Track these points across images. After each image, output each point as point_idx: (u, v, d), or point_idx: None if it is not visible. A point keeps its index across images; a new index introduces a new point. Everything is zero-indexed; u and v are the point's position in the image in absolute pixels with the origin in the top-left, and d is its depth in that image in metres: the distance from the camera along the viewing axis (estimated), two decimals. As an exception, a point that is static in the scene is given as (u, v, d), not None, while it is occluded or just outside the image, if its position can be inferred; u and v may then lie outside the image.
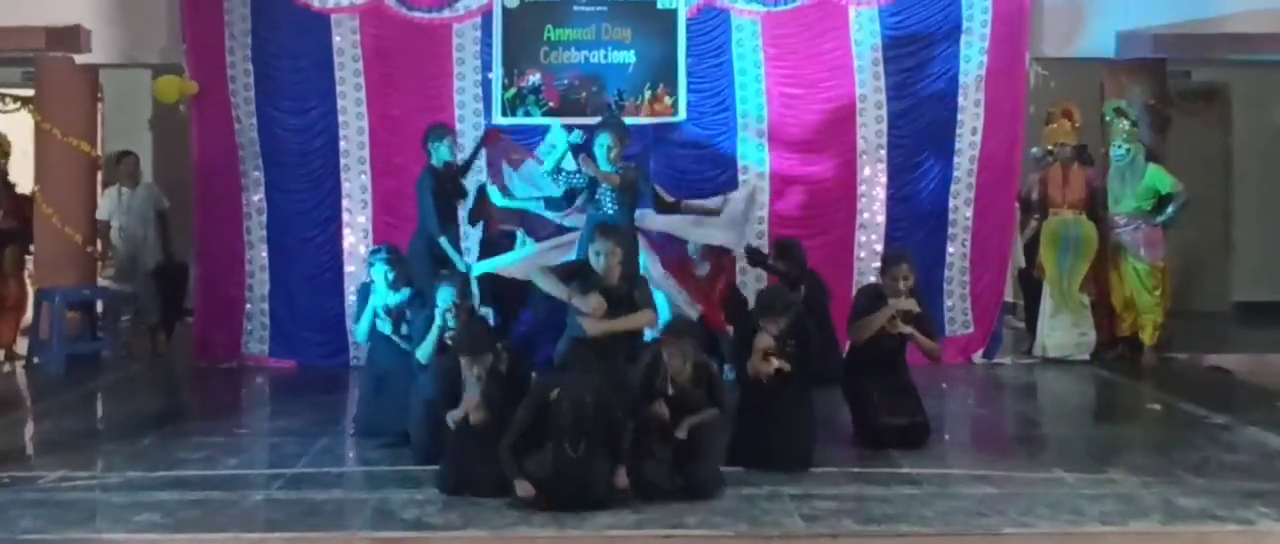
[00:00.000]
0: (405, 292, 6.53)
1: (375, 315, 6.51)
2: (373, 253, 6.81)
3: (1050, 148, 9.52)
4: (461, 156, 8.15)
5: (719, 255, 8.02)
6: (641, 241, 7.58)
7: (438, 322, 5.95)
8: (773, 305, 5.88)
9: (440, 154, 7.85)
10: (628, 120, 8.25)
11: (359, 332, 6.71)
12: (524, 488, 5.01)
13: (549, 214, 7.91)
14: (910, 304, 6.20)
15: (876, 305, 6.25)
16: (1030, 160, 9.47)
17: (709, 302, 7.78)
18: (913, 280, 6.26)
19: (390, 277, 6.51)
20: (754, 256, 8.12)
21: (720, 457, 5.50)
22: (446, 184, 7.87)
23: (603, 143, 7.20)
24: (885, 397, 6.21)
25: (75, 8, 9.31)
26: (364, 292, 6.69)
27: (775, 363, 5.73)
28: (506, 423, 5.23)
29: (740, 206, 7.99)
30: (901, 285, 6.20)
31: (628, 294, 6.01)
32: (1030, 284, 9.39)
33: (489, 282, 7.90)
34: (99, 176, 9.97)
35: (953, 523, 4.90)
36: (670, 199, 7.62)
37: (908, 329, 6.21)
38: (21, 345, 9.62)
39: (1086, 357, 9.04)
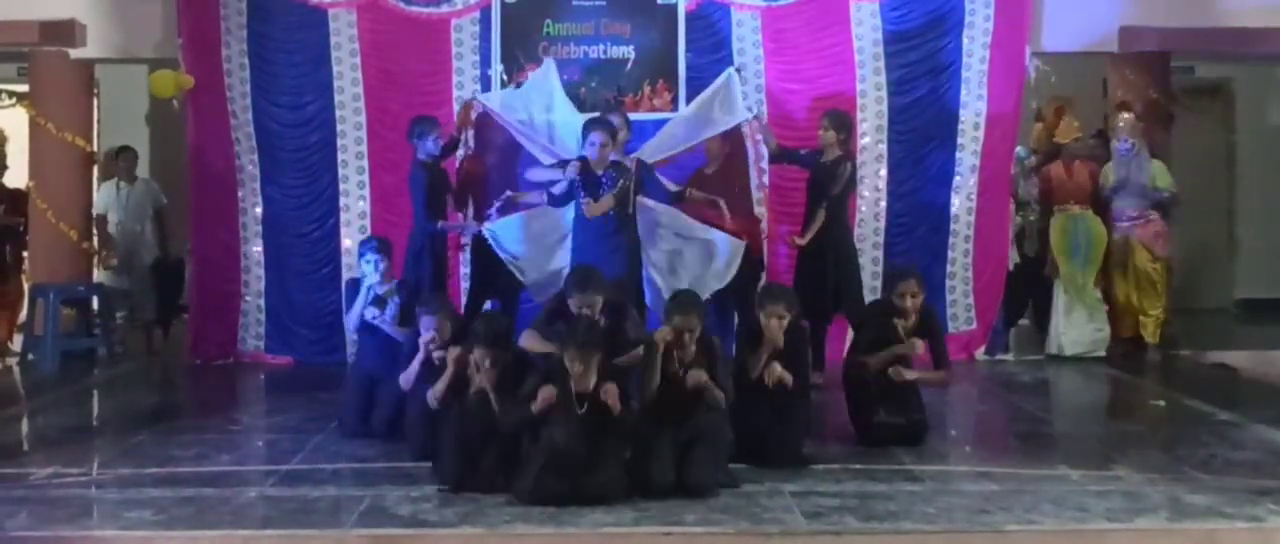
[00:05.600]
0: (393, 283, 6.56)
1: (366, 307, 6.48)
2: (363, 244, 6.80)
3: (1035, 149, 9.49)
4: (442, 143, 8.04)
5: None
6: (660, 210, 7.56)
7: (419, 353, 5.90)
8: (778, 295, 5.83)
9: (426, 147, 7.79)
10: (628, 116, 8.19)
11: (350, 320, 6.63)
12: (546, 392, 5.02)
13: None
14: (908, 348, 6.09)
15: (882, 326, 6.17)
16: (1017, 163, 9.40)
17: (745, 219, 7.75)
18: (921, 298, 6.16)
19: (381, 267, 6.49)
20: (779, 155, 8.02)
21: (722, 454, 5.41)
22: (436, 177, 7.81)
23: (593, 142, 7.10)
24: (884, 394, 6.12)
25: (70, 2, 9.25)
26: (353, 286, 6.64)
27: (779, 370, 5.64)
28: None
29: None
30: (908, 302, 6.10)
31: (617, 331, 5.93)
32: (1036, 281, 9.33)
33: (484, 270, 7.87)
34: (95, 172, 9.90)
35: (956, 520, 4.84)
36: (675, 187, 7.54)
37: (911, 375, 6.10)
38: (17, 342, 9.57)
39: (1103, 353, 8.98)
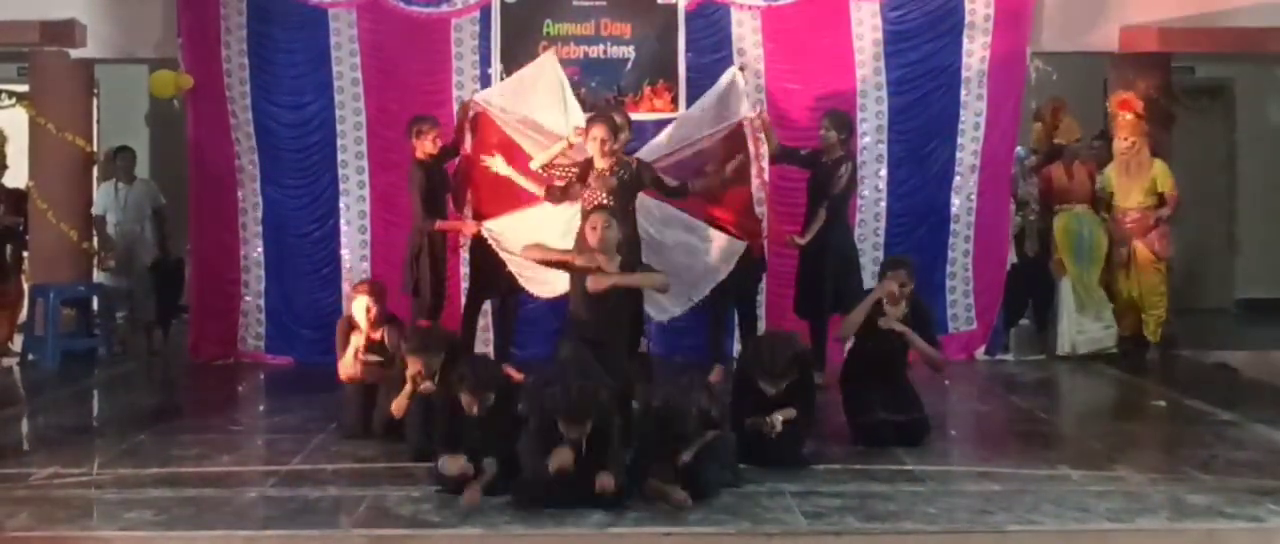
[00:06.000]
0: (383, 329, 6.42)
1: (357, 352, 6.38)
2: (355, 288, 6.69)
3: (1035, 149, 9.50)
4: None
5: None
6: (658, 209, 7.57)
7: (408, 386, 5.89)
8: (774, 366, 5.66)
9: (424, 147, 7.80)
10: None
11: (342, 367, 6.43)
12: (562, 458, 4.92)
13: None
14: (893, 288, 6.10)
15: (871, 315, 6.18)
16: (1017, 163, 9.40)
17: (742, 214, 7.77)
18: (911, 287, 6.17)
19: (372, 312, 6.38)
20: (780, 155, 8.00)
21: (725, 455, 5.38)
22: (434, 176, 7.82)
23: (595, 136, 7.09)
24: (883, 394, 6.13)
25: (70, 2, 9.24)
26: (347, 326, 6.48)
27: (780, 419, 5.62)
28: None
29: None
30: (897, 290, 6.13)
31: (631, 263, 5.97)
32: (1036, 281, 9.33)
33: (483, 272, 7.87)
34: (95, 172, 9.90)
35: (957, 521, 4.84)
36: (674, 183, 7.53)
37: (899, 326, 6.10)
38: (17, 342, 9.57)
39: (1114, 348, 8.98)
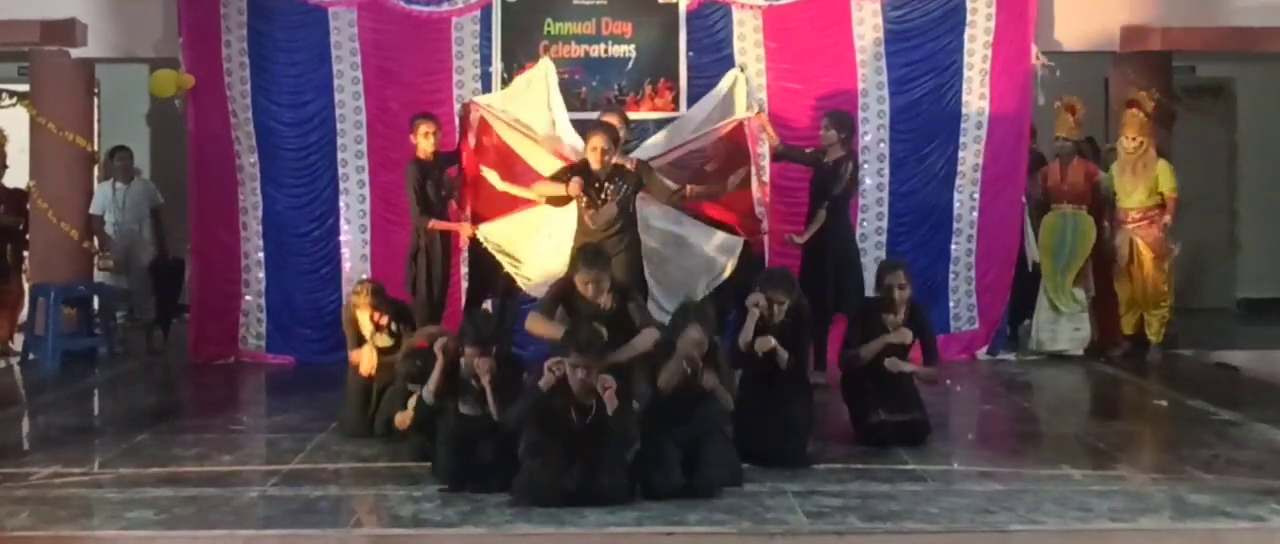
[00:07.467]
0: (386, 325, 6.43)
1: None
2: (353, 293, 6.62)
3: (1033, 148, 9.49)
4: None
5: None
6: (656, 208, 7.53)
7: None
8: (777, 281, 5.80)
9: (423, 145, 7.80)
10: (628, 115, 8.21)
11: (353, 356, 6.46)
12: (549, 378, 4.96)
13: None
14: (900, 336, 6.10)
15: (872, 323, 6.17)
16: None
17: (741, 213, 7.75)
18: (908, 290, 6.17)
19: (376, 317, 6.37)
20: (782, 153, 8.02)
21: (730, 451, 5.40)
22: (429, 174, 7.81)
23: (594, 146, 7.05)
24: (883, 394, 6.12)
25: (70, 2, 9.24)
26: (351, 317, 6.50)
27: (772, 341, 5.63)
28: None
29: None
30: (897, 294, 6.12)
31: (621, 313, 5.90)
32: (1031, 279, 9.33)
33: (482, 272, 7.86)
34: (95, 172, 9.89)
35: (959, 520, 4.83)
36: (674, 186, 7.52)
37: (907, 367, 6.11)
38: (17, 342, 9.57)
39: (1080, 352, 8.97)
